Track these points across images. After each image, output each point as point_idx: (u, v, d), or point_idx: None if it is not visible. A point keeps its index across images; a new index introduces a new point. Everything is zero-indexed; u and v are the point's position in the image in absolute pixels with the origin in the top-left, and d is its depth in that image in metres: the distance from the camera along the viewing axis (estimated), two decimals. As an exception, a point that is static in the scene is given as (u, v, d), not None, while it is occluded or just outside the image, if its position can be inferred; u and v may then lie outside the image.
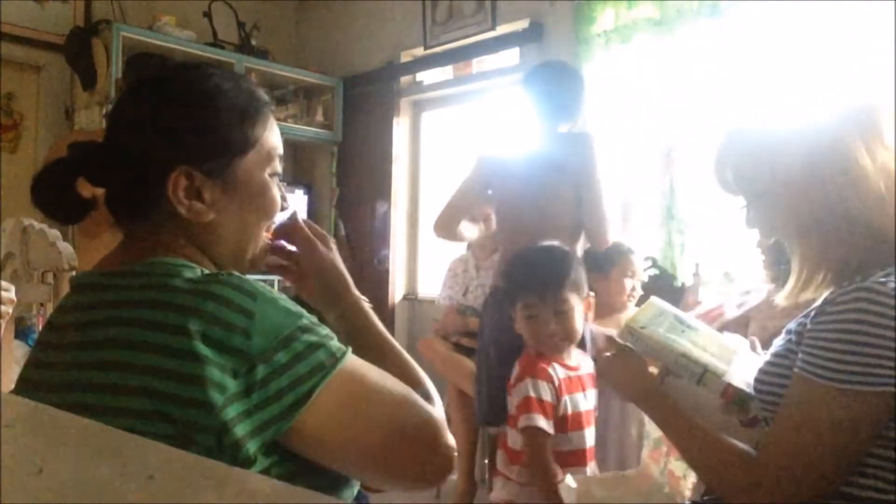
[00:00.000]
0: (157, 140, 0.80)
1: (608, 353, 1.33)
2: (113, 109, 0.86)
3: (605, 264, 2.41)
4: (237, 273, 0.78)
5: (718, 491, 1.13)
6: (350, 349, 0.79)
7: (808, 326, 1.02)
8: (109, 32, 3.47)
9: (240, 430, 0.69)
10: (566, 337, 1.70)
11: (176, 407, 0.68)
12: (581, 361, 1.77)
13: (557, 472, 1.62)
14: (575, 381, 1.72)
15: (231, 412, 0.69)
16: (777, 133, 1.11)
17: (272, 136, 0.88)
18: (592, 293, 1.81)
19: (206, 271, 0.80)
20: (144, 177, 0.81)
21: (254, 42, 4.10)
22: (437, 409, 0.85)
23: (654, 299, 1.39)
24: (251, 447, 0.70)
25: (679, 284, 2.87)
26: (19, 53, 3.64)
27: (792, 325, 1.10)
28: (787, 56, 2.53)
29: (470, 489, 2.95)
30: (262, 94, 0.88)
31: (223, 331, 0.70)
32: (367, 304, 0.98)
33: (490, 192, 2.46)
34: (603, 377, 1.33)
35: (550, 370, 1.68)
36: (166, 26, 3.72)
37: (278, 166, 0.89)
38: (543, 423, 1.61)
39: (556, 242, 1.89)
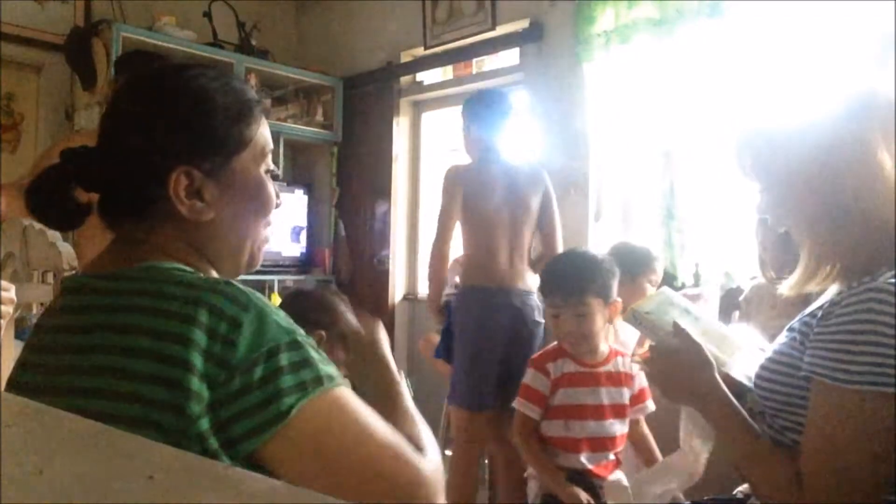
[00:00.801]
0: (158, 140, 0.80)
1: (647, 354, 1.27)
2: (106, 112, 0.85)
3: (635, 269, 2.35)
4: (236, 282, 0.76)
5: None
6: (346, 381, 0.76)
7: (816, 328, 1.01)
8: (109, 32, 3.47)
9: (213, 443, 0.68)
10: (583, 338, 1.82)
11: (164, 414, 0.68)
12: (609, 359, 1.88)
13: (538, 453, 1.80)
14: (585, 376, 1.84)
15: (204, 424, 0.68)
16: (798, 124, 1.10)
17: (265, 132, 0.88)
18: (619, 298, 1.93)
19: (202, 275, 0.80)
20: (143, 177, 0.80)
21: (254, 42, 4.10)
22: (436, 472, 0.80)
23: (665, 289, 1.39)
24: (225, 461, 0.68)
25: (679, 284, 2.87)
26: (19, 53, 3.64)
27: (795, 324, 1.09)
28: (788, 55, 2.53)
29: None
30: (253, 92, 0.89)
31: (209, 339, 0.70)
32: (405, 386, 0.97)
33: (461, 197, 2.67)
34: (652, 381, 1.31)
35: (550, 365, 1.83)
36: (166, 26, 3.72)
37: (271, 162, 0.90)
38: (526, 407, 1.82)
39: (589, 249, 2.06)
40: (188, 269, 0.80)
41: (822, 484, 0.95)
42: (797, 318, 1.10)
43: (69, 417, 0.48)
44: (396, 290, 4.12)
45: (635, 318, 1.29)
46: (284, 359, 0.71)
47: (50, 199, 0.82)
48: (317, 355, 0.75)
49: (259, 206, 0.87)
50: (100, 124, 0.85)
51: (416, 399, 3.49)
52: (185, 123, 0.81)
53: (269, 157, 0.89)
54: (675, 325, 1.21)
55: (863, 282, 0.99)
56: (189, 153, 0.80)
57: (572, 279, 1.83)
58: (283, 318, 0.75)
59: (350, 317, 1.42)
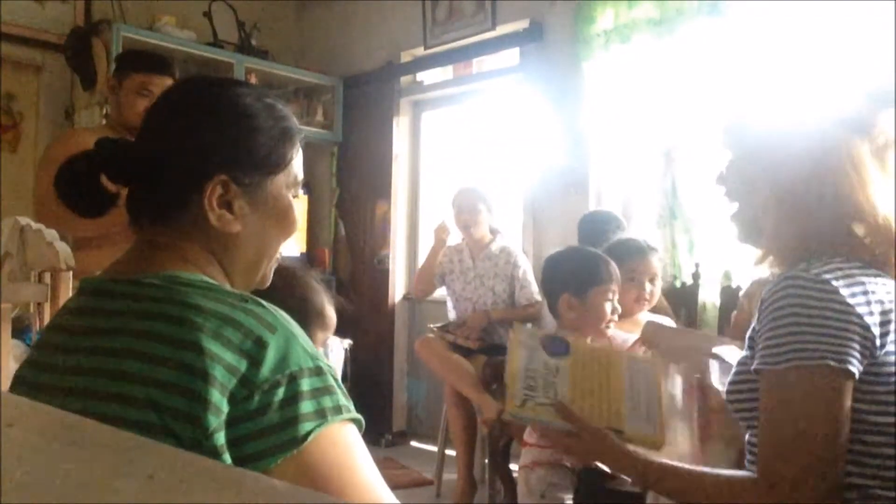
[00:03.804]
0: (205, 145, 0.81)
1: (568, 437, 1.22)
2: (151, 112, 0.86)
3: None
4: (265, 303, 0.76)
5: None
6: (360, 419, 0.76)
7: (757, 329, 1.05)
8: (109, 32, 3.47)
9: (227, 460, 0.68)
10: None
11: (180, 424, 0.67)
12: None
13: None
14: None
15: (220, 438, 0.68)
16: (785, 120, 1.13)
17: (300, 161, 0.90)
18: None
19: (228, 288, 0.80)
20: (183, 180, 0.81)
21: (254, 42, 4.10)
22: None
23: (520, 334, 1.30)
24: None
25: (679, 284, 2.87)
26: (19, 53, 3.64)
27: (748, 335, 1.12)
28: (788, 55, 2.53)
29: (470, 489, 2.96)
30: (295, 120, 0.91)
31: (234, 355, 0.70)
32: None
33: None
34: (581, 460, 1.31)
35: None
36: (166, 26, 3.72)
37: (299, 191, 0.92)
38: None
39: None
40: (211, 280, 0.80)
41: (777, 468, 0.97)
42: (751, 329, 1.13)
43: (69, 417, 0.47)
44: (396, 290, 4.12)
45: (517, 417, 1.23)
46: (306, 384, 0.71)
47: (78, 183, 0.82)
48: (336, 384, 0.75)
49: (283, 228, 0.88)
50: (144, 120, 0.86)
51: (416, 400, 3.51)
52: (233, 135, 0.83)
53: (299, 187, 0.91)
54: (558, 405, 1.19)
55: (782, 275, 1.05)
56: (231, 164, 0.81)
57: (611, 264, 1.92)
58: (309, 344, 0.76)
59: (322, 294, 1.32)
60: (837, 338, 0.96)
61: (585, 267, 1.90)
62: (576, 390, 1.22)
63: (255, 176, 0.83)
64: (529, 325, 1.34)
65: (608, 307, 1.85)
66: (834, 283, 0.99)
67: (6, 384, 0.82)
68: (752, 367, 1.04)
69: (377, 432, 3.88)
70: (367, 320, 4.06)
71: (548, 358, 1.25)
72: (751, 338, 1.09)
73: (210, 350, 0.69)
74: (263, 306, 0.76)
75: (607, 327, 1.87)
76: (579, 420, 1.18)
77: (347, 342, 3.76)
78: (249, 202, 0.83)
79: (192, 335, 0.70)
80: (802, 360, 0.96)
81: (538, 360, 1.24)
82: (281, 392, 0.70)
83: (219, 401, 0.68)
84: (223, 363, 0.69)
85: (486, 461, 2.98)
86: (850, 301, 0.97)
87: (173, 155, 0.82)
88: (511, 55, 3.61)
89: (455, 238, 3.41)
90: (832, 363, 0.95)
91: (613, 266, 1.91)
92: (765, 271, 1.17)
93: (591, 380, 1.24)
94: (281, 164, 0.86)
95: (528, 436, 1.90)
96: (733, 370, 1.15)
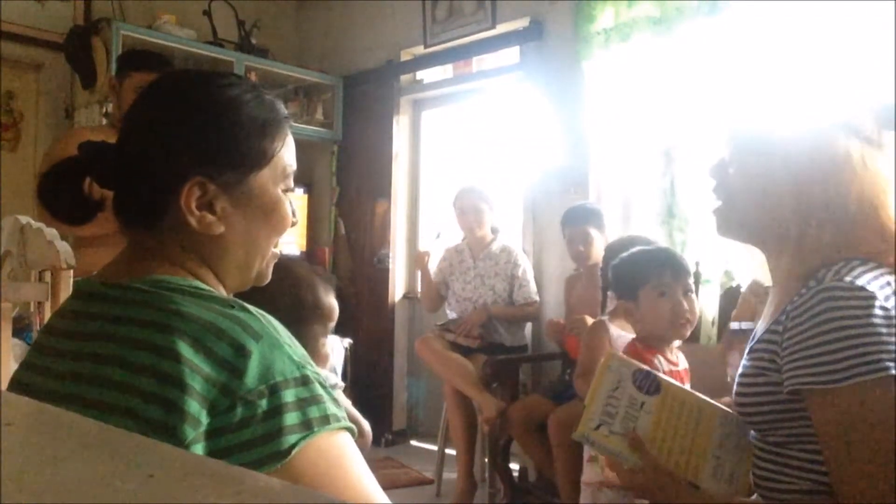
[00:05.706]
0: (175, 148, 0.78)
1: (631, 469, 1.14)
2: (129, 112, 0.83)
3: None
4: (252, 309, 0.74)
5: None
6: (351, 427, 0.74)
7: (784, 343, 1.02)
8: (109, 31, 3.47)
9: None
10: (693, 318, 1.68)
11: (157, 434, 0.66)
12: (679, 357, 1.75)
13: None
14: (675, 375, 1.69)
15: (198, 449, 0.66)
16: (785, 122, 1.11)
17: (288, 151, 0.85)
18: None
19: (216, 293, 0.78)
20: (157, 184, 0.78)
21: (254, 40, 4.10)
22: None
23: (612, 361, 1.23)
24: None
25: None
26: (19, 52, 3.64)
27: (757, 345, 1.10)
28: (787, 54, 2.53)
29: (470, 488, 2.96)
30: (282, 108, 0.86)
31: (214, 365, 0.68)
32: None
33: None
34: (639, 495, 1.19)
35: (656, 361, 1.66)
36: (166, 25, 3.71)
37: (292, 183, 0.87)
38: None
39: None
40: (200, 284, 0.78)
41: (860, 488, 0.94)
42: (756, 339, 1.11)
43: (69, 416, 0.47)
44: (396, 290, 4.12)
45: (588, 440, 1.16)
46: (291, 394, 0.69)
47: (60, 190, 0.80)
48: (325, 393, 0.72)
49: (272, 226, 0.85)
50: (122, 122, 0.84)
51: (416, 399, 3.52)
52: (207, 133, 0.79)
53: (290, 179, 0.86)
54: (633, 437, 1.13)
55: (809, 286, 1.02)
56: (206, 164, 0.78)
57: (679, 257, 1.74)
58: (297, 351, 0.73)
59: (314, 287, 1.25)
60: (888, 344, 0.93)
61: (631, 266, 1.72)
62: (657, 431, 1.14)
63: (234, 173, 0.80)
64: (625, 357, 1.27)
65: (666, 305, 1.65)
66: (869, 288, 0.96)
67: (6, 383, 0.82)
68: (792, 387, 1.00)
69: (377, 432, 3.87)
70: (367, 320, 4.06)
71: (635, 391, 1.18)
72: (768, 350, 1.05)
73: (188, 359, 0.67)
74: (250, 312, 0.73)
75: (682, 327, 1.66)
76: (650, 457, 1.11)
77: (347, 342, 3.78)
78: (231, 201, 0.80)
79: (172, 343, 0.68)
80: (863, 376, 0.93)
81: (624, 390, 1.17)
82: (264, 403, 0.67)
83: (197, 412, 0.66)
84: (202, 373, 0.67)
85: (486, 460, 2.98)
86: (888, 305, 0.96)
87: (146, 157, 0.79)
88: (511, 54, 3.61)
89: (455, 238, 3.42)
90: (894, 372, 0.92)
91: (671, 257, 1.72)
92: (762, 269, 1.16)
93: (676, 426, 1.16)
94: (263, 158, 0.81)
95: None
96: (741, 378, 1.12)
